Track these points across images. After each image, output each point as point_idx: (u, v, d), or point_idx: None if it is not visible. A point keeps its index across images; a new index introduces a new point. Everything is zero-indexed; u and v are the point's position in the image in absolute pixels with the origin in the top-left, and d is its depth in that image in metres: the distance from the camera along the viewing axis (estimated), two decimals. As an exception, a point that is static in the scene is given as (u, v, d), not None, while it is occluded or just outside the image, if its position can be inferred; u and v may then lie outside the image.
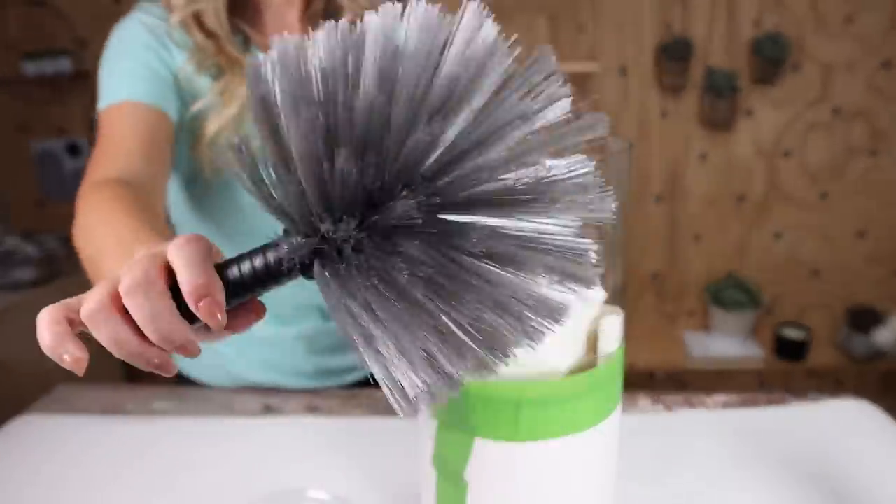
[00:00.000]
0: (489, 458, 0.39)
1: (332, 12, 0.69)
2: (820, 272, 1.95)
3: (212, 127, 0.63)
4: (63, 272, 1.57)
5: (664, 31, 1.76)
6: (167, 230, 0.50)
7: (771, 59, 1.69)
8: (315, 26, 0.25)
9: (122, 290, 0.25)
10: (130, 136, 0.60)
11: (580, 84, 1.82)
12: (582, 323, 0.39)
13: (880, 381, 1.98)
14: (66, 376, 0.81)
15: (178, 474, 0.57)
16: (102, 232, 0.46)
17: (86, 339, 0.26)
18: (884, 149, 1.82)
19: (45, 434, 0.64)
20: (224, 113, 0.63)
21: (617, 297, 0.41)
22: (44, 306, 0.29)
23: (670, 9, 1.74)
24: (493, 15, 0.23)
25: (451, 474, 0.40)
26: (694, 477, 0.55)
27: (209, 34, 0.63)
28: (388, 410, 0.67)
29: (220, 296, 0.24)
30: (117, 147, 0.59)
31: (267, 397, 0.69)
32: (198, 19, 0.62)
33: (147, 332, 0.25)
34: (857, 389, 1.72)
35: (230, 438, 0.62)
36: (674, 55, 1.72)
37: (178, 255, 0.25)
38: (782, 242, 1.93)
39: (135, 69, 0.62)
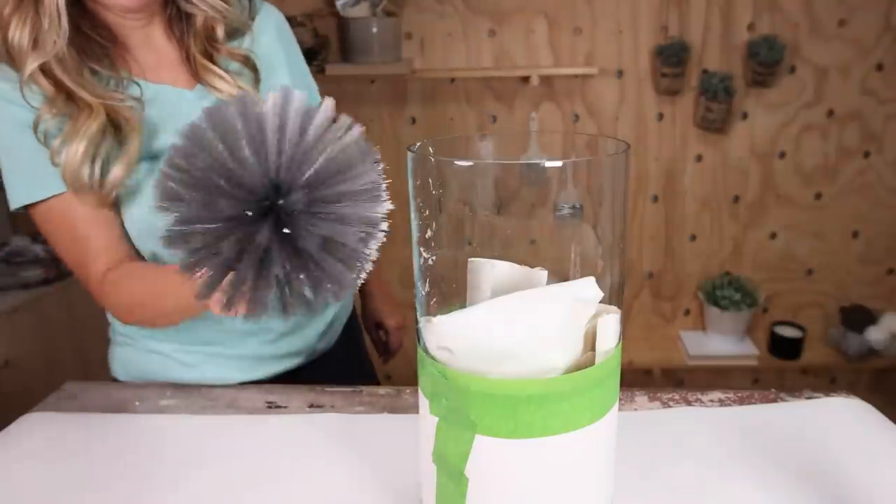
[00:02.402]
0: (489, 454, 0.39)
1: (187, 14, 0.70)
2: (814, 272, 1.97)
3: (70, 163, 0.64)
4: (70, 272, 1.58)
5: (661, 34, 1.78)
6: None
7: (766, 62, 1.70)
8: (175, 30, 0.71)
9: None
10: (86, 233, 0.69)
11: (578, 87, 1.83)
12: (579, 321, 0.40)
13: (873, 378, 2.00)
14: (74, 374, 0.83)
15: (185, 470, 0.59)
16: (151, 279, 0.67)
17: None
18: (877, 150, 1.84)
19: (52, 431, 0.65)
20: (72, 148, 0.63)
21: (615, 297, 0.43)
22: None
23: (667, 12, 1.76)
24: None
25: (452, 471, 0.41)
26: (690, 472, 0.57)
27: (57, 84, 0.63)
28: (389, 408, 0.68)
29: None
30: (88, 248, 0.69)
31: (270, 395, 0.70)
32: (45, 72, 0.63)
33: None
34: (850, 387, 1.74)
35: (235, 435, 0.63)
36: (670, 58, 1.74)
37: None
38: (777, 242, 1.95)
39: (28, 159, 0.65)
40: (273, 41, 0.78)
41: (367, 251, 0.40)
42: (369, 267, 0.40)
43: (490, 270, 0.41)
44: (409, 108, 1.87)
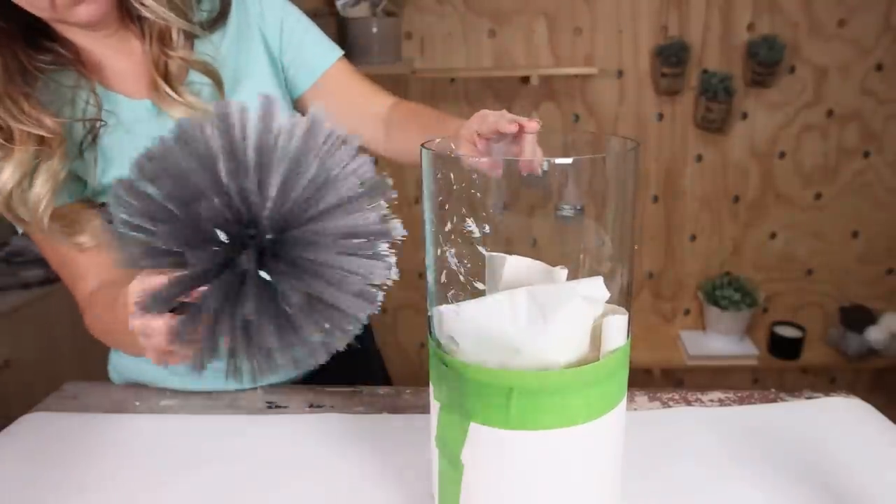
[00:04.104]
0: (482, 442, 0.40)
1: (140, 17, 0.64)
2: (814, 272, 1.97)
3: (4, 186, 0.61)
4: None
5: (660, 34, 1.78)
6: None
7: (766, 61, 1.71)
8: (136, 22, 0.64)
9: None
10: (70, 253, 0.66)
11: (578, 87, 1.83)
12: (585, 320, 0.40)
13: (872, 378, 2.00)
14: (74, 374, 0.82)
15: (185, 471, 0.58)
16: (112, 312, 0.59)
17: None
18: (877, 150, 1.84)
19: (52, 431, 0.65)
20: (5, 172, 0.60)
21: (623, 298, 0.43)
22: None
23: (666, 12, 1.76)
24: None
25: (450, 455, 0.42)
26: (690, 472, 0.57)
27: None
28: (389, 408, 0.68)
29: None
30: (75, 268, 0.67)
31: (270, 395, 0.70)
32: None
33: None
34: (849, 387, 1.74)
35: (235, 435, 0.63)
36: (670, 58, 1.74)
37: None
38: (777, 242, 1.95)
39: None
40: (273, 26, 0.73)
41: (360, 314, 0.31)
42: (356, 330, 0.31)
43: (508, 265, 0.41)
44: (409, 108, 1.87)
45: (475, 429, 0.40)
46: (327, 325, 0.30)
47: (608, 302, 0.41)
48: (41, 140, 0.61)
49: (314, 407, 0.68)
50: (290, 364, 0.31)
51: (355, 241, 0.31)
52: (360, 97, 0.78)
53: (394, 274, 0.31)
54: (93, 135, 0.65)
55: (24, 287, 1.46)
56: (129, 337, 0.54)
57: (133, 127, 0.66)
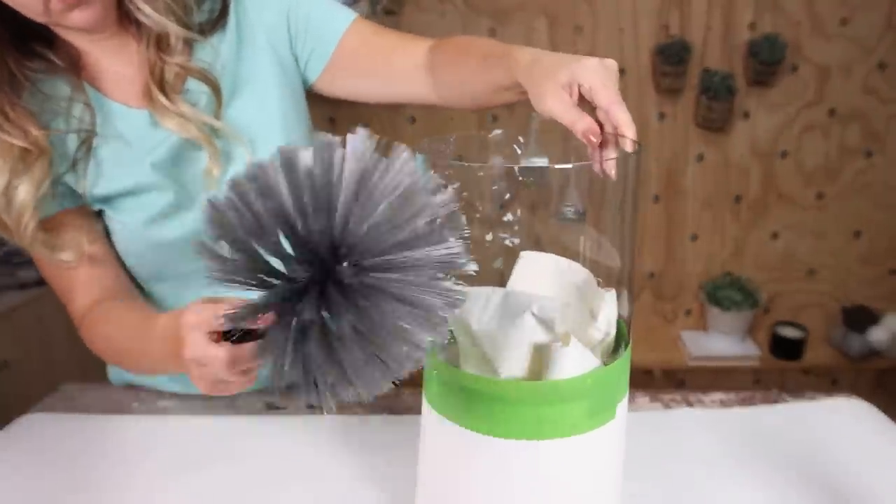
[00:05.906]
0: (473, 450, 0.40)
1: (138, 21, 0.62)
2: (816, 272, 1.97)
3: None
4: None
5: (661, 33, 1.77)
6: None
7: (767, 61, 1.70)
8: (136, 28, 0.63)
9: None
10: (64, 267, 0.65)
11: (578, 85, 1.83)
12: (524, 335, 0.38)
13: (875, 379, 2.00)
14: (72, 375, 0.82)
15: (183, 473, 0.58)
16: (121, 333, 0.62)
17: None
18: (879, 150, 1.83)
19: (50, 433, 0.65)
20: None
21: (625, 298, 0.42)
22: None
23: (668, 11, 1.75)
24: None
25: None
26: (691, 474, 0.56)
27: None
28: (389, 409, 0.68)
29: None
30: (65, 282, 0.66)
31: (269, 396, 0.70)
32: None
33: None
34: (852, 388, 1.73)
35: (235, 436, 0.63)
36: (671, 57, 1.73)
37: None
38: (779, 242, 1.95)
39: None
40: (277, 22, 0.70)
41: (416, 354, 0.31)
42: (412, 367, 0.31)
43: (533, 263, 0.42)
44: (409, 107, 1.87)
45: (462, 434, 0.39)
46: (387, 360, 0.31)
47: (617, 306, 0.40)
48: (24, 151, 0.58)
49: (313, 408, 0.68)
50: (351, 397, 0.32)
51: (428, 271, 0.30)
52: (386, 54, 0.71)
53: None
54: (87, 146, 0.63)
55: (22, 287, 1.46)
56: (150, 363, 0.58)
57: (130, 138, 0.64)
